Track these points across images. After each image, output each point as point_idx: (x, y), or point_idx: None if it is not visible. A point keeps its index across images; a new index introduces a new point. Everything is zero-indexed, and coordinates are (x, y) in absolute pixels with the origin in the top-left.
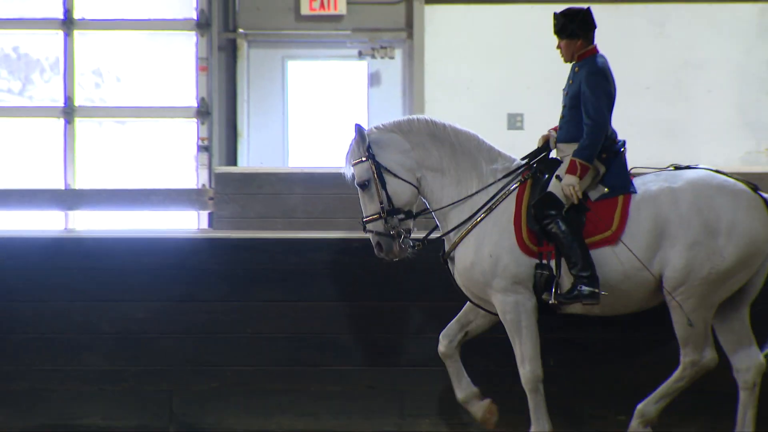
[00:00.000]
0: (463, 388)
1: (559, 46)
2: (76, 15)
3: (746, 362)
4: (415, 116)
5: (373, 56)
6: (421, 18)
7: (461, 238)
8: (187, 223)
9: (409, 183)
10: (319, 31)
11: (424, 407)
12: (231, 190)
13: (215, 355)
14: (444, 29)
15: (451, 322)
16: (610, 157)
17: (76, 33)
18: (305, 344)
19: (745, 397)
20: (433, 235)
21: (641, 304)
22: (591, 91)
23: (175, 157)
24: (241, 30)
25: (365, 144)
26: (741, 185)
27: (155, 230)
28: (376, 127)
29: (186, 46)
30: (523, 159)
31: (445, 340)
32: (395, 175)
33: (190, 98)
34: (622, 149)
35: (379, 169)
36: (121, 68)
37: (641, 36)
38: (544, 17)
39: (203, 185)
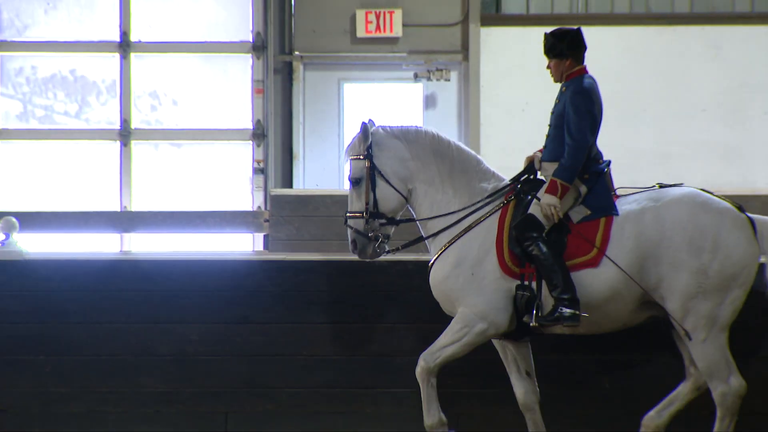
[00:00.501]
0: None
1: (548, 66)
2: (133, 38)
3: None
4: (423, 128)
5: (428, 78)
6: (476, 40)
7: (440, 253)
8: (243, 245)
9: (399, 192)
10: (374, 54)
11: (479, 429)
12: (286, 212)
13: (270, 377)
14: (500, 51)
15: (510, 370)
16: (592, 178)
17: (133, 56)
18: (360, 366)
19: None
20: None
21: (625, 321)
22: (574, 111)
23: (230, 179)
24: (297, 52)
25: (367, 143)
26: (726, 204)
27: (211, 252)
28: (382, 128)
29: (242, 68)
30: (511, 180)
31: (521, 389)
32: (387, 181)
33: (245, 120)
34: (606, 170)
35: (373, 171)
36: (177, 91)
37: (697, 58)
38: (599, 39)
39: (259, 207)
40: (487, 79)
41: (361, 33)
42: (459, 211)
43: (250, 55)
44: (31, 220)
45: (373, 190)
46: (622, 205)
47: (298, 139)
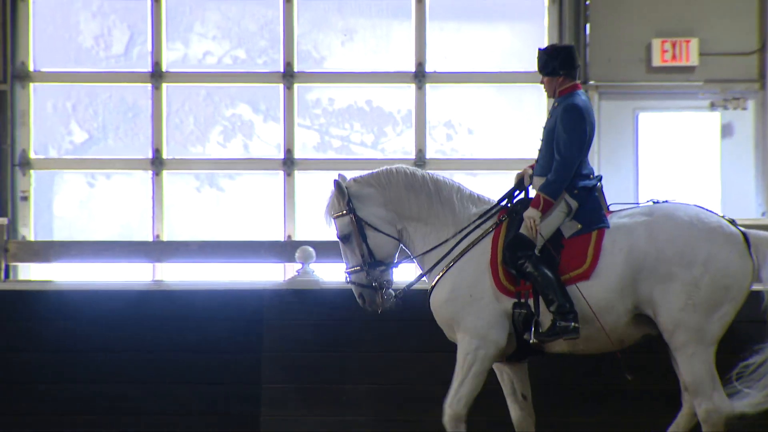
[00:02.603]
0: None
1: (542, 82)
2: (428, 68)
3: None
4: (394, 168)
5: (725, 107)
6: None
7: (438, 279)
8: None
9: (390, 236)
10: (670, 83)
11: None
12: None
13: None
14: None
15: (506, 393)
16: (582, 193)
17: (428, 86)
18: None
19: None
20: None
21: (623, 337)
22: (563, 127)
23: None
24: (592, 81)
25: (345, 198)
26: (718, 218)
27: None
28: (354, 180)
29: (536, 98)
30: (500, 199)
31: (517, 412)
32: (376, 229)
33: None
34: (598, 184)
35: (360, 224)
36: (472, 120)
37: None
38: None
39: None
40: None
41: (656, 62)
42: (450, 239)
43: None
44: (327, 250)
45: (365, 242)
46: (615, 220)
47: (594, 167)
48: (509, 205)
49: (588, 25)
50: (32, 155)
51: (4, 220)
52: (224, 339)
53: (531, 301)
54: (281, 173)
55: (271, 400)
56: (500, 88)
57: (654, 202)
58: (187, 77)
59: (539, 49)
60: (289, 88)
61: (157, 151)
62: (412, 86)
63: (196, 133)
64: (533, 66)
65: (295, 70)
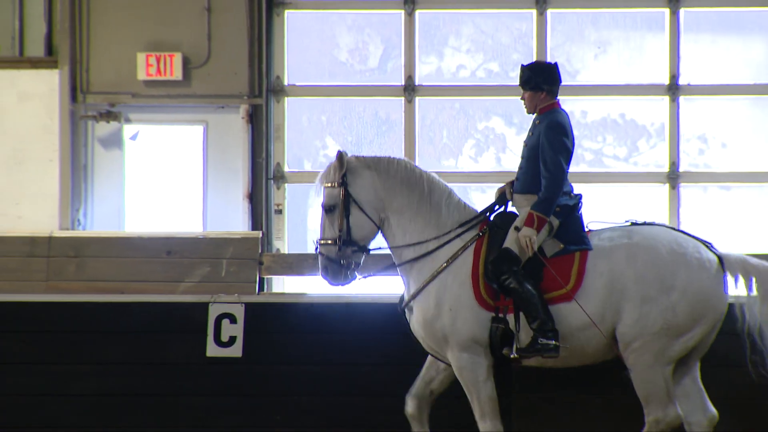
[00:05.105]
0: None
1: (523, 98)
2: (682, 80)
3: (698, 415)
4: (396, 158)
5: None
6: None
7: (419, 290)
8: None
9: (372, 221)
10: None
11: None
12: None
13: None
14: None
15: (416, 380)
16: (564, 212)
17: (682, 98)
18: None
19: None
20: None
21: (595, 357)
22: (549, 144)
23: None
24: None
25: (342, 171)
26: (697, 243)
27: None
28: (356, 157)
29: None
30: (482, 211)
31: (414, 401)
32: (361, 209)
33: None
34: (579, 204)
35: (348, 199)
36: (725, 133)
37: None
38: None
39: None
40: None
41: None
42: (430, 240)
43: None
44: None
45: (347, 218)
46: (595, 241)
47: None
48: (490, 217)
49: None
50: (286, 169)
51: (258, 234)
52: None
53: (510, 317)
54: None
55: (522, 410)
56: (755, 100)
57: (633, 223)
58: (440, 91)
59: (522, 65)
60: None
61: None
62: (666, 99)
63: (449, 146)
64: None
65: None
